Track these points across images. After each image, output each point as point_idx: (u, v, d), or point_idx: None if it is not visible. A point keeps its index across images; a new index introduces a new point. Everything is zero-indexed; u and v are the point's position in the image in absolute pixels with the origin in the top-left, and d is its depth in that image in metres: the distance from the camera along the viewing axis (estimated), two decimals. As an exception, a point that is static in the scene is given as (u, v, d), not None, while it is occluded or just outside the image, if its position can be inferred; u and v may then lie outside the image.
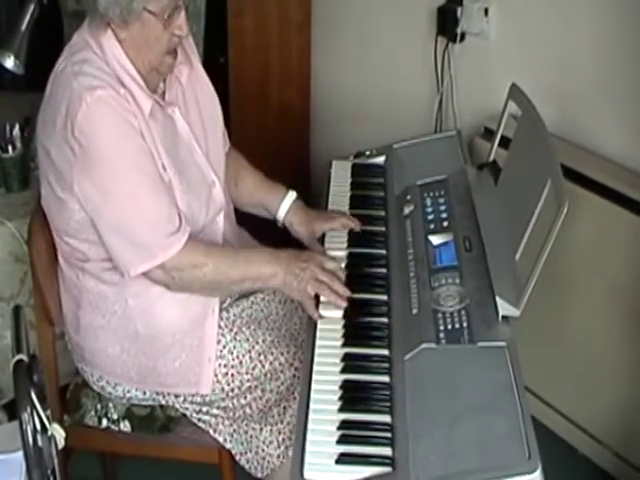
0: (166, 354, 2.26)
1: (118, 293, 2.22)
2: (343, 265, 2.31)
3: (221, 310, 2.31)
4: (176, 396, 2.30)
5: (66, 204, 2.13)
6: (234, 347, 2.29)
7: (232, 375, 2.27)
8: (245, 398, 2.30)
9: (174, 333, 2.25)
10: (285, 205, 2.53)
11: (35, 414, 1.65)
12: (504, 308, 1.99)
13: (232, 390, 2.28)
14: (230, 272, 2.19)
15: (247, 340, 2.30)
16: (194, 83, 2.33)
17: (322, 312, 2.14)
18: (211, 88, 2.39)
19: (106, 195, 2.06)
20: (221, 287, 2.23)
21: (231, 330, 2.30)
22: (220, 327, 2.29)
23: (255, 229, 2.57)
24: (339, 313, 2.14)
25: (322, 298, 2.17)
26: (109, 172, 2.05)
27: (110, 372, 2.31)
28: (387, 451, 1.76)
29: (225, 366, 2.27)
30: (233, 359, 2.28)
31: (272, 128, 3.81)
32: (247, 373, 2.28)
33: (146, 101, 2.11)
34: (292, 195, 2.54)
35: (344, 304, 2.14)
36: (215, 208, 2.31)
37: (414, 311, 2.09)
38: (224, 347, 2.28)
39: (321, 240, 2.46)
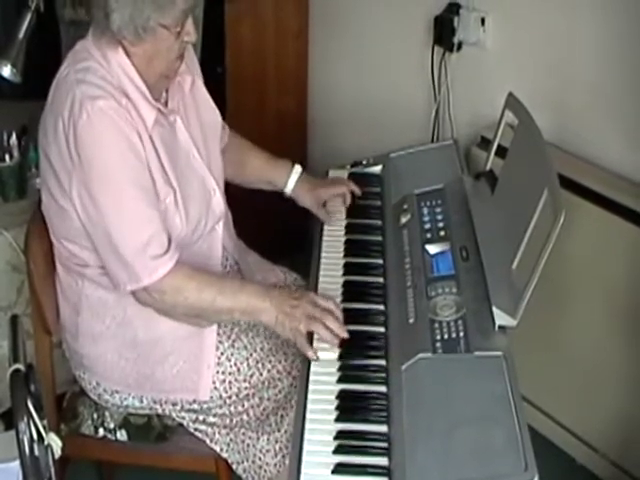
0: (164, 361, 2.26)
1: (117, 299, 2.22)
2: (340, 281, 2.30)
3: (220, 317, 2.30)
4: (173, 404, 2.30)
5: (66, 211, 2.13)
6: (232, 354, 2.28)
7: (230, 382, 2.27)
8: (242, 405, 2.30)
9: (173, 340, 2.25)
10: (292, 180, 2.59)
11: (32, 423, 1.65)
12: (501, 318, 1.99)
13: (229, 397, 2.28)
14: (215, 299, 2.13)
15: (245, 348, 2.30)
16: (195, 92, 2.33)
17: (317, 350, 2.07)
18: (210, 100, 2.39)
19: (100, 208, 2.05)
20: (206, 315, 2.19)
21: (229, 337, 2.30)
22: (218, 334, 2.29)
23: (253, 241, 2.58)
24: (334, 353, 2.06)
25: (315, 336, 2.09)
26: (105, 185, 2.04)
27: (108, 378, 2.30)
28: (384, 461, 1.77)
29: (223, 373, 2.27)
30: (231, 366, 2.28)
31: (269, 136, 3.79)
32: (245, 380, 2.28)
33: (150, 112, 2.11)
34: (298, 170, 2.60)
35: (337, 342, 2.07)
36: (214, 217, 2.30)
37: (411, 320, 2.09)
38: (222, 354, 2.28)
39: (318, 251, 2.46)
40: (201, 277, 2.16)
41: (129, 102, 2.07)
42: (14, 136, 2.95)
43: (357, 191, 2.61)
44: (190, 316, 2.20)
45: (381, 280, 2.30)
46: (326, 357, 2.05)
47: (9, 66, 2.81)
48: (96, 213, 2.06)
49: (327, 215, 2.58)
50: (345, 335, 2.08)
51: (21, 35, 2.82)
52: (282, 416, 2.37)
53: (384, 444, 1.81)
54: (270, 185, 2.63)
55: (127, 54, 2.09)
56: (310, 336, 2.09)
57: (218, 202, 2.31)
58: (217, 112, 2.42)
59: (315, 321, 2.08)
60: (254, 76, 3.75)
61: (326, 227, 2.55)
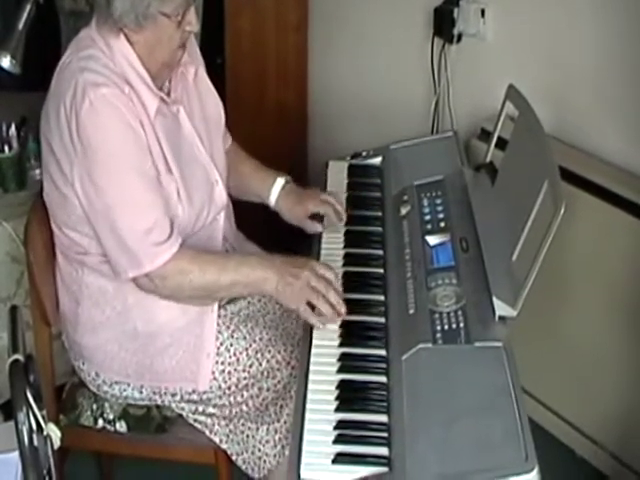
0: (164, 352, 2.26)
1: (118, 288, 2.23)
2: (340, 271, 2.29)
3: (219, 308, 2.30)
4: (172, 395, 2.30)
5: (67, 198, 2.13)
6: (231, 345, 2.28)
7: (229, 372, 2.27)
8: (242, 396, 2.30)
9: (172, 331, 2.26)
10: (274, 192, 2.54)
11: (31, 414, 1.65)
12: (501, 308, 1.99)
13: (229, 388, 2.28)
14: (219, 276, 2.15)
15: (244, 338, 2.30)
16: (198, 83, 2.34)
17: (316, 341, 2.07)
18: (214, 91, 2.40)
19: (102, 195, 2.06)
20: (209, 293, 2.21)
21: (228, 327, 2.30)
22: (218, 324, 2.29)
23: (252, 232, 2.57)
24: (336, 324, 2.09)
25: (316, 310, 2.10)
26: (107, 172, 2.05)
27: (108, 369, 2.30)
28: (384, 451, 1.77)
29: (222, 363, 2.27)
30: (230, 356, 2.28)
31: (269, 129, 3.81)
32: (244, 371, 2.28)
33: (152, 100, 2.12)
34: (280, 182, 2.54)
35: (336, 318, 2.09)
36: (216, 207, 2.31)
37: (411, 311, 2.09)
38: (221, 344, 2.28)
39: (319, 242, 2.45)
40: (203, 258, 2.17)
41: (132, 90, 2.08)
42: (13, 127, 2.94)
43: (342, 216, 2.49)
44: (195, 297, 2.21)
45: (381, 271, 2.30)
46: (326, 344, 2.05)
47: (9, 57, 2.81)
48: (98, 200, 2.06)
49: (313, 225, 2.50)
50: (343, 310, 2.09)
51: (21, 26, 2.83)
52: (281, 406, 2.37)
53: (384, 434, 1.80)
54: (255, 197, 2.58)
55: (129, 42, 2.10)
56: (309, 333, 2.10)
57: (220, 193, 2.32)
58: (220, 103, 2.42)
59: (314, 292, 2.09)
60: (254, 69, 3.75)
61: (326, 218, 2.54)
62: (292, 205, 2.54)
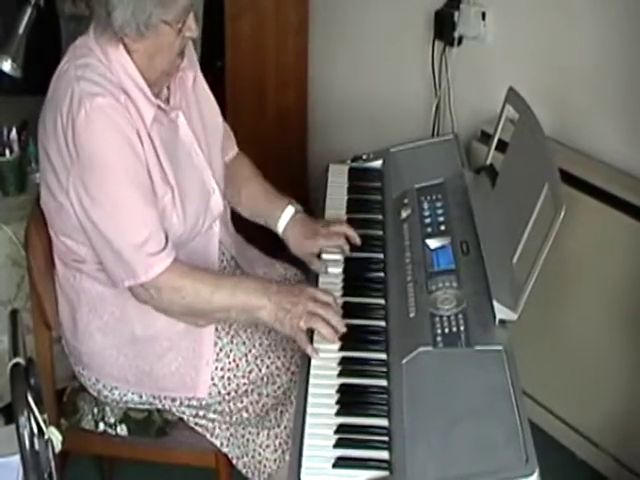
0: (163, 358, 2.26)
1: (115, 295, 2.22)
2: (340, 277, 2.30)
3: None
4: (172, 400, 2.30)
5: (64, 207, 2.12)
6: (231, 350, 2.28)
7: (229, 378, 2.27)
8: (242, 402, 2.30)
9: (171, 337, 2.25)
10: (283, 221, 2.47)
11: (32, 418, 1.65)
12: (501, 312, 1.99)
13: (229, 394, 2.28)
14: (212, 298, 2.12)
15: (244, 343, 2.29)
16: (197, 89, 2.33)
17: (317, 345, 2.05)
18: (212, 97, 2.39)
19: (97, 206, 2.05)
20: (204, 314, 2.18)
21: (228, 333, 2.29)
22: (217, 330, 2.28)
23: (252, 235, 2.57)
24: (335, 345, 2.06)
25: (316, 332, 2.08)
26: (102, 183, 2.04)
27: (107, 375, 2.30)
28: (384, 455, 1.77)
29: (222, 369, 2.27)
30: (230, 362, 2.28)
31: (269, 132, 3.81)
32: (244, 377, 2.28)
33: (149, 110, 2.10)
34: (290, 210, 2.47)
35: (336, 339, 2.06)
36: (212, 216, 2.30)
37: (411, 315, 2.08)
38: (221, 350, 2.28)
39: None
40: (198, 275, 2.15)
41: (128, 99, 2.06)
42: (14, 131, 2.95)
43: (357, 240, 2.41)
44: (187, 315, 2.19)
45: (382, 274, 2.30)
46: (327, 349, 2.04)
47: (9, 61, 2.81)
48: (93, 211, 2.05)
49: (321, 266, 2.39)
50: (343, 330, 2.07)
51: (21, 30, 2.82)
52: (282, 412, 2.37)
53: (385, 438, 1.80)
54: (262, 220, 2.52)
55: (128, 51, 2.08)
56: (310, 332, 2.09)
57: (217, 201, 2.30)
58: (218, 111, 2.41)
59: (315, 317, 2.07)
60: (254, 72, 3.75)
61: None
62: (302, 239, 2.44)
